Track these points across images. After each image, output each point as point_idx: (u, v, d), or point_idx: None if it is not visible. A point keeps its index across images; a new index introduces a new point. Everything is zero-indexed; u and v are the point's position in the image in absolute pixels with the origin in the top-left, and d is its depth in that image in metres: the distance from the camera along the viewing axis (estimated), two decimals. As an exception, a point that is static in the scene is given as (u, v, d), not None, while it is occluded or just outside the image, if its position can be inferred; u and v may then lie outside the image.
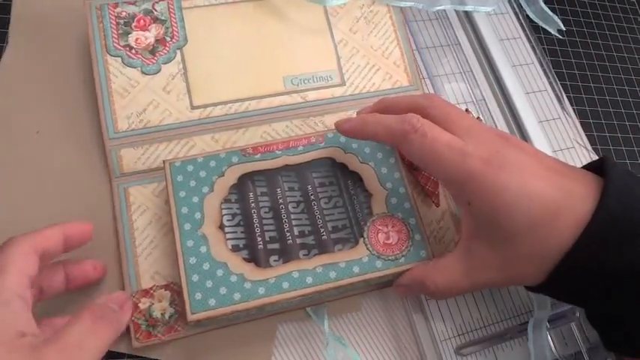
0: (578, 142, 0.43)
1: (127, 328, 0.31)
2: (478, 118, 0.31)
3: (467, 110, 0.32)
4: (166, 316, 0.31)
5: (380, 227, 0.32)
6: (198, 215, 0.31)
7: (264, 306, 0.30)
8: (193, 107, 0.36)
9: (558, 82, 0.45)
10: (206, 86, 0.37)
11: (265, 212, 0.33)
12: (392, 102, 0.33)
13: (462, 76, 0.44)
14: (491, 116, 0.42)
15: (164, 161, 0.32)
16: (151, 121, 0.35)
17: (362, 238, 0.32)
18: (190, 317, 0.29)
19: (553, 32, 0.48)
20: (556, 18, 0.48)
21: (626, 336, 0.28)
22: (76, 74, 0.37)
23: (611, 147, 0.46)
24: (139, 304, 0.31)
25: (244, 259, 0.31)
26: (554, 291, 0.29)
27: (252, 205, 0.33)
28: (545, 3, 0.48)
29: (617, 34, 0.52)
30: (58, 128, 0.36)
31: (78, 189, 0.35)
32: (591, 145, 0.45)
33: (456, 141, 0.28)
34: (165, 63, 0.37)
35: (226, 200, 0.32)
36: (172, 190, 0.32)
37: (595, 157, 0.43)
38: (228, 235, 0.31)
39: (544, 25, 0.49)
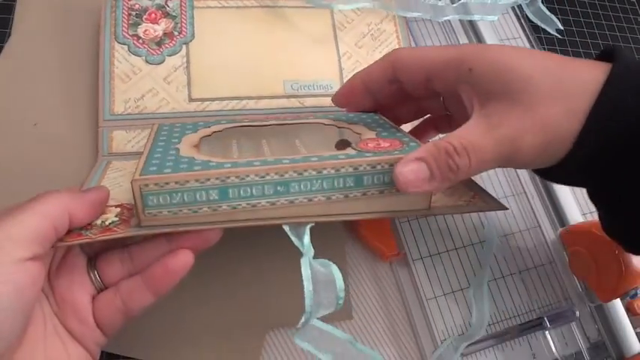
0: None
1: None
2: None
3: None
4: (107, 222, 0.26)
5: (369, 141, 0.28)
6: (175, 141, 0.28)
7: (228, 179, 0.24)
8: (191, 99, 0.36)
9: (558, 82, 0.45)
10: (206, 81, 0.37)
11: (246, 151, 0.30)
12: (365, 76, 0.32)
13: (461, 76, 0.44)
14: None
15: (153, 124, 0.31)
16: (148, 108, 0.36)
17: (353, 145, 0.28)
18: (137, 177, 0.23)
19: (552, 32, 0.48)
20: (554, 18, 0.48)
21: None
22: (82, 64, 0.38)
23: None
24: None
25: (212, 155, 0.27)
26: (591, 147, 0.24)
27: (234, 142, 0.31)
28: (545, 3, 0.48)
29: (617, 34, 0.52)
30: (56, 113, 0.36)
31: (67, 169, 0.35)
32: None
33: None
34: (170, 55, 0.37)
35: (206, 137, 0.30)
36: (154, 134, 0.30)
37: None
38: (202, 148, 0.28)
39: (542, 25, 0.49)
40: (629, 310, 0.36)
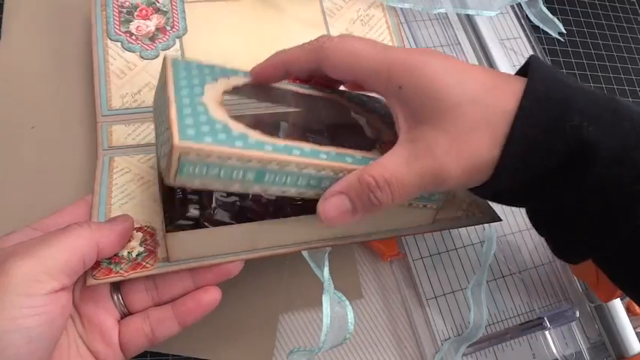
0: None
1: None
2: None
3: None
4: (133, 254, 0.27)
5: (390, 144, 0.28)
6: (198, 90, 0.26)
7: (268, 165, 0.24)
8: None
9: (558, 82, 0.45)
10: None
11: (270, 114, 0.30)
12: (289, 55, 0.29)
13: (462, 76, 0.44)
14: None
15: (165, 57, 0.28)
16: (145, 102, 0.36)
17: (377, 146, 0.28)
18: (177, 143, 0.22)
19: (554, 35, 0.48)
20: (556, 20, 0.48)
21: (572, 237, 0.27)
22: (75, 62, 0.38)
23: (611, 147, 0.46)
24: None
25: (247, 126, 0.25)
26: (509, 174, 0.25)
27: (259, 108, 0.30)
28: (545, 3, 0.49)
29: (617, 34, 0.52)
30: (53, 113, 0.37)
31: (67, 167, 0.35)
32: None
33: (373, 42, 0.27)
34: (164, 49, 0.37)
35: (228, 92, 0.28)
36: (172, 73, 0.26)
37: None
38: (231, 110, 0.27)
39: (545, 28, 0.49)
40: (629, 310, 0.36)
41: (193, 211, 0.28)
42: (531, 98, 0.24)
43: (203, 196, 0.28)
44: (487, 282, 0.37)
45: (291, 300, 0.35)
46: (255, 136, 0.24)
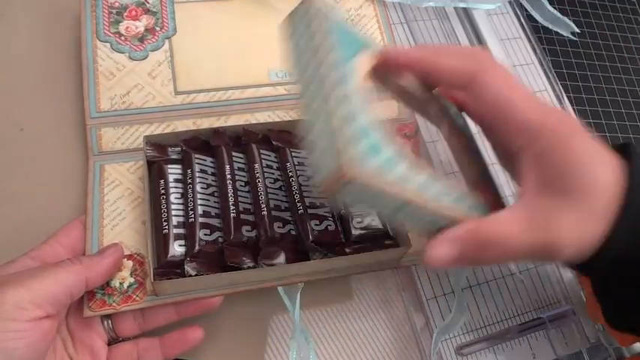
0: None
1: (82, 298, 0.30)
2: None
3: None
4: (125, 285, 0.30)
5: (487, 187, 0.29)
6: (349, 68, 0.25)
7: (411, 204, 0.24)
8: (177, 93, 0.36)
9: (558, 82, 0.45)
10: (191, 74, 0.37)
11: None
12: (441, 53, 0.28)
13: (462, 76, 0.44)
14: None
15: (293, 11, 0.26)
16: (134, 103, 0.36)
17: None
18: (346, 169, 0.21)
19: (566, 35, 0.48)
20: (568, 20, 0.47)
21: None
22: (64, 64, 0.38)
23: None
24: None
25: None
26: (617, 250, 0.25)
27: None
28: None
29: (617, 34, 0.52)
30: (42, 115, 0.37)
31: (56, 170, 0.35)
32: (591, 145, 0.45)
33: (530, 95, 0.26)
34: (153, 50, 0.37)
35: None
36: (328, 32, 0.25)
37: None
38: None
39: (556, 29, 0.48)
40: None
41: (178, 249, 0.31)
42: (631, 209, 0.24)
43: (188, 235, 0.31)
44: (487, 282, 0.37)
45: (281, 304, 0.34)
46: (401, 159, 0.24)
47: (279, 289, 0.32)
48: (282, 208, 0.33)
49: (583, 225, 0.24)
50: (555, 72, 0.46)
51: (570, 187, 0.24)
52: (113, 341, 0.31)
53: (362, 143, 0.22)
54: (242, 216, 0.32)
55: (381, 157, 0.22)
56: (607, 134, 0.46)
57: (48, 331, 0.26)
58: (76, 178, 0.35)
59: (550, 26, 0.48)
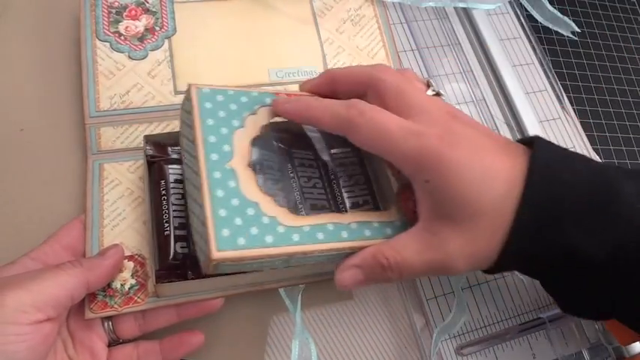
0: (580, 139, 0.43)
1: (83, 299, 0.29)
2: (438, 93, 0.30)
3: (428, 83, 0.31)
4: (126, 287, 0.30)
5: (409, 195, 0.30)
6: (227, 148, 0.28)
7: (295, 256, 0.27)
8: (177, 92, 0.36)
9: (558, 82, 0.45)
10: (191, 73, 0.37)
11: (299, 163, 0.31)
12: (340, 74, 0.31)
13: (462, 76, 0.44)
14: (492, 116, 0.42)
15: (190, 85, 0.29)
16: (133, 103, 0.36)
17: (392, 204, 0.31)
18: (215, 255, 0.24)
19: (566, 34, 0.48)
20: (568, 20, 0.47)
21: (581, 303, 0.29)
22: (64, 63, 0.38)
23: (611, 147, 0.46)
24: None
25: (276, 202, 0.27)
26: (510, 266, 0.29)
27: (284, 151, 0.32)
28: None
29: (617, 34, 0.52)
30: (42, 115, 0.37)
31: (57, 169, 0.35)
32: (591, 145, 0.45)
33: (405, 122, 0.27)
34: (153, 50, 0.37)
35: (256, 140, 0.29)
36: (199, 115, 0.28)
37: (595, 158, 0.43)
38: (259, 177, 0.29)
39: (556, 28, 0.48)
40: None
41: (180, 250, 0.30)
42: (527, 211, 0.26)
43: (189, 237, 0.30)
44: (487, 282, 0.37)
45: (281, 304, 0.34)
46: (284, 220, 0.27)
47: (281, 290, 0.32)
48: (340, 186, 0.32)
49: (472, 244, 0.27)
50: (555, 72, 0.46)
51: (456, 214, 0.26)
52: (113, 342, 0.30)
53: (231, 224, 0.25)
54: (303, 192, 0.31)
55: (254, 229, 0.26)
56: (607, 134, 0.46)
57: (49, 334, 0.26)
58: (77, 178, 0.35)
59: (550, 26, 0.48)
